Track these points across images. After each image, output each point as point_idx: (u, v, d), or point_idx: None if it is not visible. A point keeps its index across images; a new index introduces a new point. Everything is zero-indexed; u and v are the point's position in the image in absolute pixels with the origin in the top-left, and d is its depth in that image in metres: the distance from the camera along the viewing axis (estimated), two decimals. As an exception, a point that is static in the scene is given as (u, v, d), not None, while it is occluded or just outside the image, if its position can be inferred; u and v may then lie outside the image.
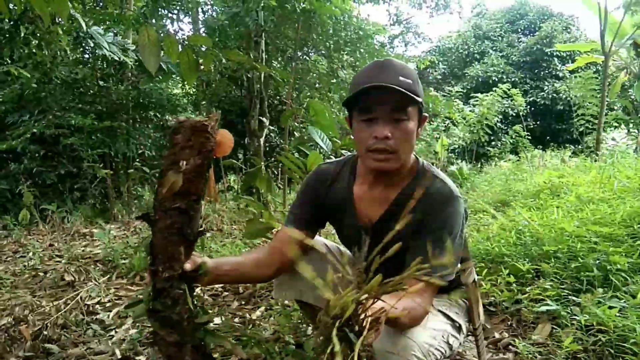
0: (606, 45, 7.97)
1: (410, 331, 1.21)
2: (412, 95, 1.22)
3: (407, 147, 1.28)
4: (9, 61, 5.88)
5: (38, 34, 4.89)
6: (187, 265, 1.19)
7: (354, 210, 1.41)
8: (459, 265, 1.39)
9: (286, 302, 2.39)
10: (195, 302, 1.23)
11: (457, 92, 12.41)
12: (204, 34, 7.59)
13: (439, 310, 1.38)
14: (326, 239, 1.71)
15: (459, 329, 1.40)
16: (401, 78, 1.22)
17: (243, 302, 2.70)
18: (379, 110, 1.24)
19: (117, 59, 3.14)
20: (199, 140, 1.14)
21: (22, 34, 4.89)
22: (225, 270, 1.35)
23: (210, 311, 2.52)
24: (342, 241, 1.61)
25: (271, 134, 8.78)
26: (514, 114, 13.15)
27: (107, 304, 2.72)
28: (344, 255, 1.65)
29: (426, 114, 1.34)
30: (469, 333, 1.57)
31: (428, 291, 1.23)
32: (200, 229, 1.24)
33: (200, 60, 2.42)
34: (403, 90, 1.20)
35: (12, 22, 4.92)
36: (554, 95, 15.66)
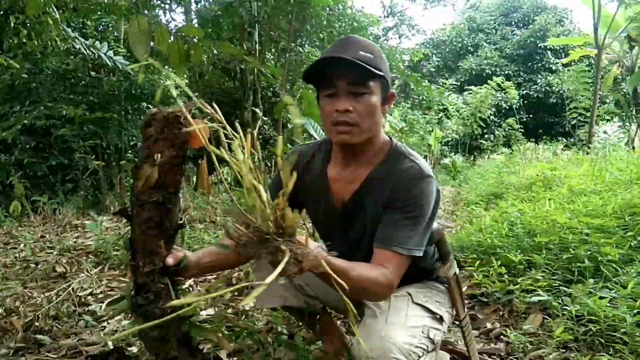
0: (599, 39, 7.99)
1: (387, 333, 1.20)
2: (370, 68, 1.21)
3: (370, 120, 1.27)
4: (-1, 51, 5.81)
5: (28, 24, 4.82)
6: (169, 260, 1.18)
7: (329, 192, 1.41)
8: (428, 245, 1.37)
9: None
10: (179, 296, 1.22)
11: (450, 84, 12.43)
12: (196, 25, 7.53)
13: (418, 304, 1.35)
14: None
15: (440, 320, 1.38)
16: (362, 53, 1.23)
17: (236, 294, 2.69)
18: (339, 84, 1.24)
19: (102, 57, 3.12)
20: (173, 132, 1.12)
21: (12, 24, 4.83)
22: (207, 262, 1.34)
23: (202, 302, 2.52)
24: (315, 223, 1.60)
25: (264, 125, 8.74)
26: (507, 107, 13.20)
27: (99, 296, 2.71)
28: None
29: (393, 92, 1.35)
30: (456, 322, 1.57)
31: (393, 262, 1.22)
32: (180, 222, 1.23)
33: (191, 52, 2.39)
34: (359, 62, 1.19)
35: (1, 12, 4.86)
36: (547, 88, 15.72)
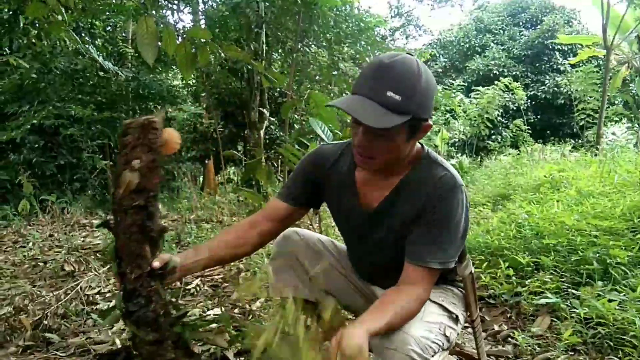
0: (608, 39, 7.94)
1: (407, 325, 1.20)
2: (389, 122, 1.12)
3: (387, 155, 1.23)
4: (8, 51, 5.86)
5: (37, 24, 4.86)
6: (155, 263, 1.19)
7: (357, 192, 1.39)
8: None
9: (285, 293, 2.38)
10: (170, 299, 1.23)
11: (458, 85, 12.38)
12: (204, 25, 7.56)
13: (435, 302, 1.36)
14: (321, 234, 1.69)
15: (455, 319, 1.38)
16: (389, 93, 1.12)
17: (243, 293, 2.70)
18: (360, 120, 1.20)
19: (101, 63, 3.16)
20: (149, 137, 1.18)
21: (22, 24, 4.87)
22: (195, 261, 1.33)
23: (209, 302, 2.53)
24: (338, 224, 1.59)
25: (271, 125, 8.75)
26: (515, 108, 13.14)
27: (107, 294, 2.72)
28: (339, 248, 1.64)
29: (430, 123, 1.24)
30: (467, 324, 1.57)
31: (426, 278, 1.24)
32: (163, 225, 1.26)
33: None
34: (368, 123, 1.12)
35: (11, 12, 4.89)
36: (555, 89, 15.61)
